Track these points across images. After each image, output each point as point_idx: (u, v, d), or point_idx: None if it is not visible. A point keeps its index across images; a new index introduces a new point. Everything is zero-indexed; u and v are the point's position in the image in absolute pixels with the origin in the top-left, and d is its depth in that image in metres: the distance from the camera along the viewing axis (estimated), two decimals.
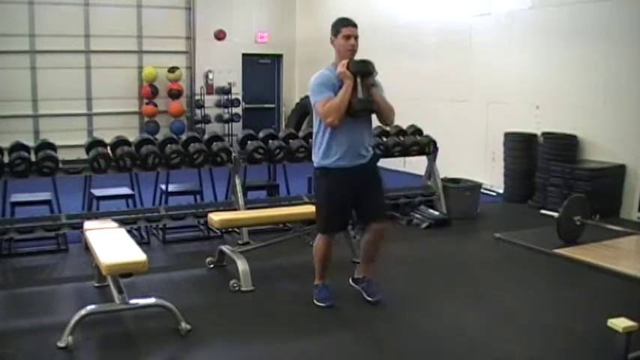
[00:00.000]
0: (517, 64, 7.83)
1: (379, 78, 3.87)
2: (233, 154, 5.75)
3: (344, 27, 3.78)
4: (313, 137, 3.90)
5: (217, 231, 5.66)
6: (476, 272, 4.94)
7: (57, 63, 10.59)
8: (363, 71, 3.72)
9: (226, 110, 12.08)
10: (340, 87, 3.67)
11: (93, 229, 4.20)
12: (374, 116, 3.90)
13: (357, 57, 3.83)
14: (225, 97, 12.04)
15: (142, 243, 5.30)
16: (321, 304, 3.98)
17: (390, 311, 3.81)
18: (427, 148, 6.63)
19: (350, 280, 4.28)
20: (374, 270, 4.19)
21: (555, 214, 5.44)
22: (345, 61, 3.70)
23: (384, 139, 6.50)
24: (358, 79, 3.68)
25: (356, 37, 3.78)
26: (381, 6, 10.43)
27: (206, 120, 11.75)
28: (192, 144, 5.69)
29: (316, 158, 3.86)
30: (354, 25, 3.80)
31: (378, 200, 3.97)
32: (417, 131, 6.84)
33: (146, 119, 11.34)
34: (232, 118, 12.01)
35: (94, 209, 5.63)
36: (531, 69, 7.66)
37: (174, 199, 6.00)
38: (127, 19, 11.15)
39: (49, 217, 5.29)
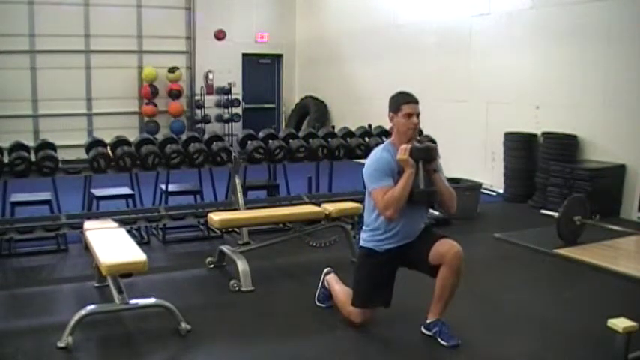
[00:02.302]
0: (517, 64, 7.83)
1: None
2: (233, 154, 5.75)
3: (405, 104, 3.43)
4: (365, 214, 3.65)
5: (217, 231, 5.66)
6: (476, 272, 4.92)
7: (57, 63, 10.60)
8: (427, 158, 3.44)
9: (226, 110, 12.08)
10: (399, 172, 3.39)
11: (93, 229, 4.20)
12: None
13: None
14: (225, 97, 12.05)
15: (142, 243, 5.31)
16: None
17: (389, 311, 3.80)
18: None
19: (422, 328, 3.66)
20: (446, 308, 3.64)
21: (555, 214, 5.46)
22: (406, 147, 3.38)
23: (384, 139, 6.50)
24: (420, 165, 3.41)
25: (418, 115, 3.46)
26: (380, 6, 10.44)
27: (206, 120, 11.75)
28: (192, 144, 5.69)
29: (365, 235, 3.63)
30: (416, 102, 3.46)
31: (431, 235, 3.60)
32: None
33: (146, 119, 11.35)
34: (232, 118, 12.02)
35: (94, 209, 5.63)
36: (531, 69, 7.66)
37: (174, 199, 6.00)
38: (127, 19, 11.16)
39: (49, 217, 5.29)
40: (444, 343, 3.46)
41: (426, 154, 3.44)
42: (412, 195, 3.37)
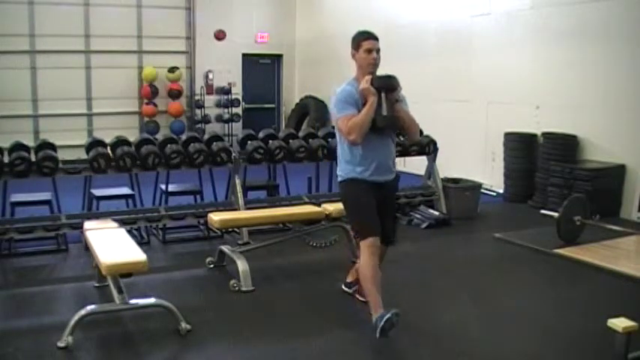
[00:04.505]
0: (517, 64, 7.83)
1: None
2: (233, 154, 5.75)
3: (365, 40, 3.59)
4: (338, 152, 3.76)
5: (217, 231, 5.66)
6: (476, 272, 4.94)
7: (57, 63, 10.60)
8: (388, 86, 3.56)
9: (226, 110, 12.08)
10: (363, 103, 3.52)
11: (93, 229, 4.20)
12: None
13: None
14: (225, 97, 12.05)
15: (142, 243, 5.31)
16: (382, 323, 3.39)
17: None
18: (427, 148, 6.63)
19: (343, 286, 4.26)
20: None
21: (555, 214, 5.46)
22: (368, 77, 3.55)
23: None
24: (382, 95, 3.52)
25: (378, 50, 3.61)
26: (381, 6, 10.43)
27: (206, 120, 11.75)
28: (192, 144, 5.69)
29: (341, 172, 3.73)
30: (376, 38, 3.62)
31: (391, 224, 3.79)
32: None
33: (146, 119, 11.34)
34: (232, 118, 12.02)
35: (94, 209, 5.63)
36: (531, 69, 7.66)
37: (174, 199, 6.00)
38: (127, 19, 11.16)
39: (49, 217, 5.29)
40: (362, 299, 3.89)
41: (387, 82, 3.56)
42: (375, 121, 3.50)
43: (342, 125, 3.53)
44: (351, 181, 3.67)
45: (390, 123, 3.58)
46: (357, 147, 3.57)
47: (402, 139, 6.10)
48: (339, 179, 3.76)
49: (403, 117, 3.63)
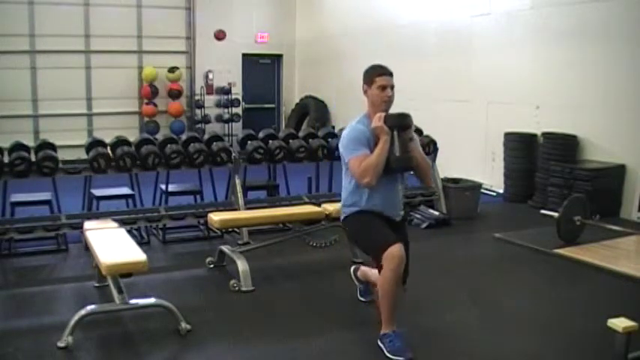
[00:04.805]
0: (517, 64, 7.83)
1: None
2: (233, 154, 5.75)
3: (378, 76, 3.41)
4: (343, 190, 3.57)
5: (217, 231, 5.66)
6: (476, 272, 4.94)
7: (57, 63, 10.60)
8: (401, 125, 3.40)
9: (226, 110, 12.09)
10: (375, 142, 3.36)
11: (93, 229, 4.20)
12: None
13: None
14: (225, 97, 12.05)
15: (142, 243, 5.31)
16: (397, 358, 3.25)
17: None
18: (427, 148, 6.62)
19: (352, 272, 4.12)
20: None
21: (555, 214, 5.46)
22: (380, 114, 3.37)
23: None
24: (395, 133, 3.38)
25: (392, 87, 3.44)
26: (381, 6, 10.44)
27: (206, 120, 11.76)
28: (192, 144, 5.69)
29: (346, 208, 3.55)
30: (390, 74, 3.45)
31: (406, 255, 3.42)
32: (417, 131, 6.83)
33: (146, 119, 11.35)
34: (232, 118, 12.02)
35: (94, 209, 5.63)
36: (531, 69, 7.66)
37: (174, 199, 6.00)
38: (127, 19, 11.16)
39: (49, 217, 5.29)
40: (362, 299, 3.98)
41: (400, 121, 3.41)
42: (389, 162, 3.36)
43: (355, 167, 3.34)
44: (357, 212, 3.48)
45: (403, 165, 3.45)
46: (367, 190, 3.40)
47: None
48: (344, 214, 3.57)
49: (417, 157, 3.47)
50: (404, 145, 3.41)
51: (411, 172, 3.59)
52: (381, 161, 3.31)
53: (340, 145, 3.48)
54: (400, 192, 3.56)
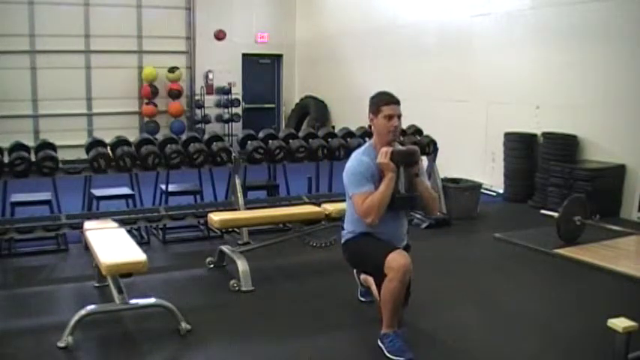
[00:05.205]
0: (517, 64, 7.83)
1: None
2: (233, 154, 5.75)
3: (385, 105, 3.32)
4: (346, 218, 3.55)
5: (217, 231, 5.66)
6: (476, 272, 4.94)
7: (57, 63, 10.60)
8: (408, 162, 3.33)
9: (226, 110, 12.08)
10: (380, 177, 3.29)
11: (93, 229, 4.20)
12: None
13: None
14: (225, 97, 12.05)
15: (142, 243, 5.31)
16: (397, 358, 3.23)
17: None
18: (427, 148, 6.63)
19: (355, 272, 4.04)
20: None
21: (555, 214, 5.44)
22: (387, 150, 3.27)
23: None
24: (401, 169, 3.30)
25: (399, 117, 3.34)
26: (380, 6, 10.44)
27: (206, 120, 11.76)
28: (192, 144, 5.69)
29: (349, 235, 3.51)
30: (397, 102, 3.34)
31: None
32: (417, 131, 6.84)
33: (146, 119, 11.35)
34: (232, 118, 12.02)
35: (94, 209, 5.63)
36: (531, 69, 7.66)
37: (174, 199, 6.00)
38: (127, 19, 11.16)
39: (49, 217, 5.29)
40: (362, 298, 3.94)
41: (407, 157, 3.33)
42: (393, 200, 3.28)
43: (359, 204, 3.28)
44: (362, 234, 3.43)
45: (408, 204, 3.40)
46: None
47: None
48: (344, 239, 3.53)
49: (424, 195, 3.39)
50: (410, 182, 3.34)
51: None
52: (385, 199, 3.24)
53: (345, 177, 3.41)
54: (405, 223, 3.54)
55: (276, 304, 4.16)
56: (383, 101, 3.36)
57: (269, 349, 3.47)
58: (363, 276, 4.01)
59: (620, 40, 6.59)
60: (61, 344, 3.34)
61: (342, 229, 3.61)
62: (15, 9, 10.28)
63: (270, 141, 6.06)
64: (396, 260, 3.17)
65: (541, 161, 7.28)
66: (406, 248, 3.51)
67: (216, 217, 4.67)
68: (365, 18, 10.80)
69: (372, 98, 3.42)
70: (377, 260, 3.26)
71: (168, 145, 5.63)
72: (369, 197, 3.25)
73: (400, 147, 3.40)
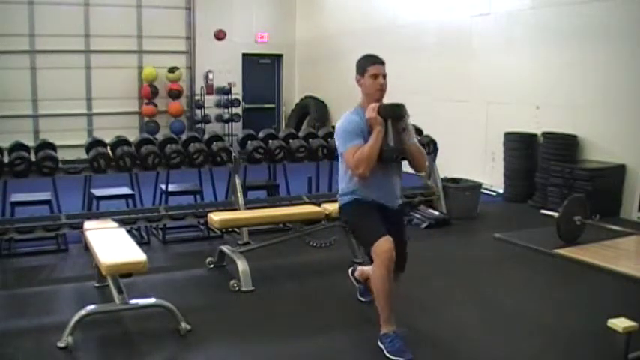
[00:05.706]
0: (517, 64, 7.83)
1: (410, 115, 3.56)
2: (233, 154, 5.75)
3: (371, 65, 3.43)
4: (339, 179, 3.63)
5: (217, 231, 5.65)
6: (476, 272, 4.94)
7: (57, 63, 10.59)
8: (395, 115, 3.41)
9: (226, 110, 12.08)
10: (369, 132, 3.38)
11: (93, 229, 4.20)
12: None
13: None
14: (225, 97, 12.05)
15: (142, 243, 5.31)
16: (397, 358, 3.25)
17: None
18: (427, 148, 6.62)
19: (350, 273, 4.14)
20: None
21: (555, 214, 5.44)
22: (375, 105, 3.38)
23: None
24: (389, 123, 3.40)
25: (384, 76, 3.45)
26: (381, 6, 10.44)
27: (206, 120, 11.75)
28: (192, 144, 5.69)
29: (343, 196, 3.60)
30: (382, 63, 3.46)
31: (402, 249, 3.51)
32: (417, 131, 6.82)
33: (146, 119, 11.34)
34: (232, 118, 12.02)
35: (94, 209, 5.63)
36: (531, 69, 7.66)
37: (174, 199, 6.00)
38: (127, 19, 11.16)
39: (49, 217, 5.29)
40: (361, 299, 3.98)
41: (394, 111, 3.42)
42: (382, 153, 3.38)
43: (349, 158, 3.38)
44: (354, 201, 3.52)
45: (396, 155, 3.45)
46: (363, 180, 3.43)
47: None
48: (341, 202, 3.62)
49: (412, 148, 3.48)
50: (397, 136, 3.44)
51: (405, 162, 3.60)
52: (374, 152, 3.34)
53: (335, 136, 3.53)
54: (397, 182, 3.60)
55: (276, 304, 4.16)
56: (369, 62, 3.47)
57: (269, 349, 3.47)
58: (357, 272, 4.05)
59: (620, 40, 6.59)
60: (61, 344, 3.34)
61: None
62: (15, 9, 10.28)
63: (270, 141, 6.06)
64: (381, 246, 3.27)
65: (541, 161, 7.28)
66: (403, 245, 3.55)
67: (216, 217, 4.68)
68: (365, 18, 10.80)
69: (358, 60, 3.53)
70: (365, 241, 3.44)
71: (168, 145, 5.63)
72: (359, 150, 3.36)
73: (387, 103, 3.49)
